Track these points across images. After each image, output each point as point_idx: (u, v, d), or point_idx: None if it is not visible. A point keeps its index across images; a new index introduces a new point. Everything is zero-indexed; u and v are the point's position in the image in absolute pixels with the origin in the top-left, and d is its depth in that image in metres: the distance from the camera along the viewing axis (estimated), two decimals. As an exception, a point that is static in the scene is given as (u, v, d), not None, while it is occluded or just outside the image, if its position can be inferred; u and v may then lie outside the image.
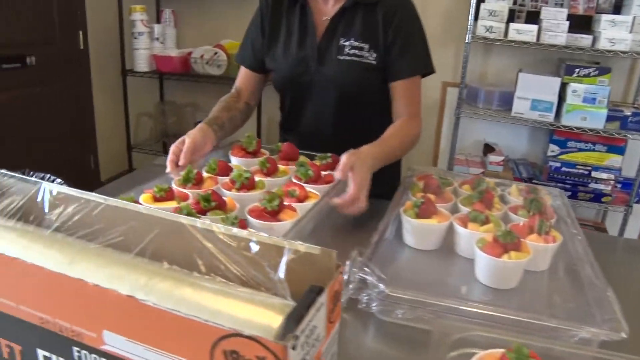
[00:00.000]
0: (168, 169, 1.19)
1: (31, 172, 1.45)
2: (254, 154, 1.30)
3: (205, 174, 1.16)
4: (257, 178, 1.12)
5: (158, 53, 3.19)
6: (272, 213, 0.94)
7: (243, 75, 1.58)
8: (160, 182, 1.10)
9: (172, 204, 1.01)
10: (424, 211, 1.04)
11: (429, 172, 1.29)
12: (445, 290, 0.95)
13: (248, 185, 1.06)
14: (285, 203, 0.98)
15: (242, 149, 1.29)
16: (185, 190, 1.08)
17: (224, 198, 1.00)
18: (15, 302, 0.60)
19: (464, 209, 1.13)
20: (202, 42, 3.27)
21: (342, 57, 1.40)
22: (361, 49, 1.39)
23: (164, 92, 3.60)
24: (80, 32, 3.03)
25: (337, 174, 1.11)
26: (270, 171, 1.17)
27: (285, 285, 0.55)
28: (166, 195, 1.03)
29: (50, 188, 0.70)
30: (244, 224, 0.87)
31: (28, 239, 0.63)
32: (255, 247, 0.58)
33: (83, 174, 3.16)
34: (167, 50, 3.23)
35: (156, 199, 1.03)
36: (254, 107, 1.64)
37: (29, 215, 0.70)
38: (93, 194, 0.66)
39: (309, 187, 1.09)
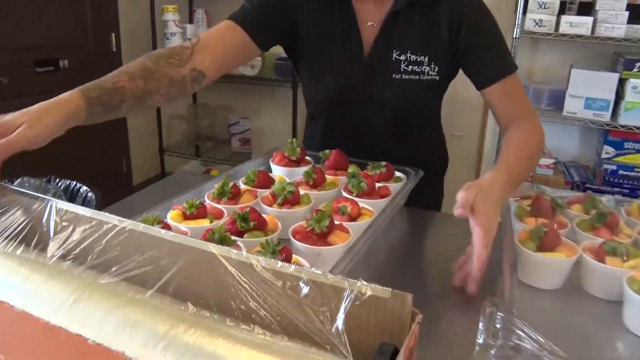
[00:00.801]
0: None
1: (57, 179, 1.36)
2: (298, 162, 1.17)
3: (242, 186, 1.05)
4: (301, 191, 0.99)
5: (191, 54, 3.10)
6: (321, 235, 0.81)
7: (223, 31, 1.14)
8: (193, 195, 0.99)
9: (204, 223, 0.90)
10: (548, 243, 0.86)
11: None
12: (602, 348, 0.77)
13: (292, 200, 0.94)
14: (336, 222, 0.85)
15: (285, 157, 1.17)
16: (220, 206, 0.96)
17: (264, 216, 0.89)
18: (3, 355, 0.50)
19: (585, 236, 0.94)
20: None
21: (397, 76, 1.18)
22: (420, 63, 1.17)
23: (196, 93, 3.52)
24: (113, 34, 2.97)
25: (456, 212, 0.82)
26: (317, 183, 1.05)
27: (345, 339, 0.43)
28: (197, 212, 0.92)
29: (58, 206, 0.59)
30: (288, 251, 0.75)
31: (27, 269, 0.53)
32: (305, 288, 0.46)
33: (114, 178, 3.11)
34: (199, 51, 3.14)
35: (186, 217, 0.92)
36: (206, 83, 1.10)
37: (31, 238, 0.59)
38: (107, 214, 0.55)
39: (362, 203, 0.96)
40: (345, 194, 1.02)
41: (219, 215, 0.94)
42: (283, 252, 0.73)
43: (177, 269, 0.52)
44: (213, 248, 0.49)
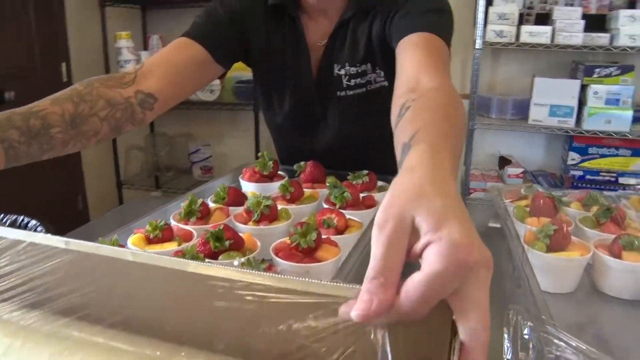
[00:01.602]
0: None
1: (1, 214, 1.23)
2: (271, 177, 1.08)
3: (211, 205, 0.94)
4: (279, 206, 0.90)
5: (146, 81, 2.99)
6: (307, 251, 0.72)
7: (174, 48, 1.03)
8: (156, 216, 0.88)
9: (172, 247, 0.79)
10: (558, 242, 0.78)
11: (513, 189, 1.03)
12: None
13: (269, 215, 0.84)
14: (323, 236, 0.76)
15: (256, 172, 1.07)
16: (188, 227, 0.86)
17: (241, 234, 0.78)
18: None
19: (592, 233, 0.88)
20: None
21: (341, 93, 1.09)
22: (363, 73, 1.06)
23: (154, 122, 3.39)
24: (63, 64, 2.83)
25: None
26: (295, 197, 0.95)
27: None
28: (163, 234, 0.81)
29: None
30: (274, 270, 0.65)
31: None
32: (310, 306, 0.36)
33: (70, 216, 2.94)
34: (155, 78, 3.04)
35: (150, 241, 0.81)
36: (162, 107, 1.00)
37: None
38: (48, 236, 0.45)
39: (347, 214, 0.87)
40: (326, 206, 0.93)
41: (187, 237, 0.83)
42: (269, 271, 0.63)
43: (142, 297, 0.42)
44: (188, 265, 0.40)
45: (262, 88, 1.18)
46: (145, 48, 3.15)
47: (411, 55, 0.86)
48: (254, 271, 0.37)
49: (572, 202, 0.98)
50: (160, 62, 0.99)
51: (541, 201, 0.91)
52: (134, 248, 0.78)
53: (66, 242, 0.46)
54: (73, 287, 0.44)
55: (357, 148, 1.17)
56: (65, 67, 2.86)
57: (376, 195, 0.98)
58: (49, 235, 0.49)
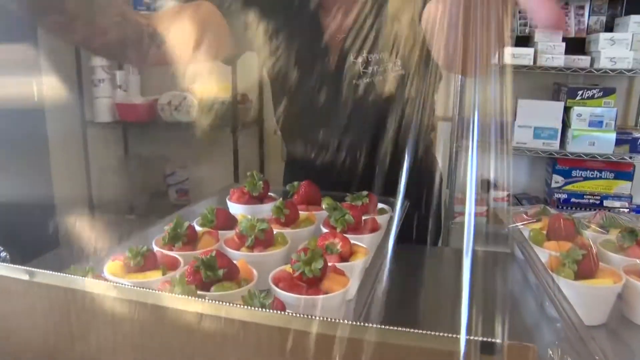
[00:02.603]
0: None
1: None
2: (261, 199, 0.99)
3: (198, 228, 0.85)
4: (274, 230, 0.81)
5: (121, 101, 2.90)
6: (312, 281, 0.63)
7: None
8: (136, 241, 0.79)
9: (156, 275, 0.70)
10: (587, 268, 0.71)
11: (520, 212, 0.96)
12: None
13: (265, 241, 0.76)
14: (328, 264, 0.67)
15: (245, 193, 0.99)
16: (174, 254, 0.77)
17: (234, 262, 0.69)
18: None
19: (617, 258, 0.81)
20: (169, 87, 3.00)
21: (358, 82, 1.08)
22: (379, 62, 1.06)
23: (128, 144, 3.28)
24: (34, 82, 2.72)
25: None
26: (290, 220, 0.86)
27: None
28: (145, 262, 0.71)
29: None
30: (280, 305, 0.57)
31: None
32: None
33: (39, 242, 2.79)
34: (131, 98, 2.94)
35: (130, 269, 0.71)
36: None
37: None
38: (9, 265, 0.36)
39: (352, 239, 0.78)
40: (326, 230, 0.85)
41: (173, 264, 0.74)
42: (274, 306, 0.55)
43: (121, 341, 0.33)
44: (178, 302, 0.31)
45: (278, 84, 1.18)
46: (121, 67, 3.05)
47: None
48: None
49: (590, 224, 0.91)
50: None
51: (560, 224, 0.84)
52: (112, 278, 0.68)
53: (30, 272, 0.38)
54: (36, 326, 0.35)
55: (364, 154, 1.13)
56: (35, 85, 2.75)
57: (379, 218, 0.91)
58: (9, 265, 0.40)
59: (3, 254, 1.08)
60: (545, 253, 0.80)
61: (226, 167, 2.92)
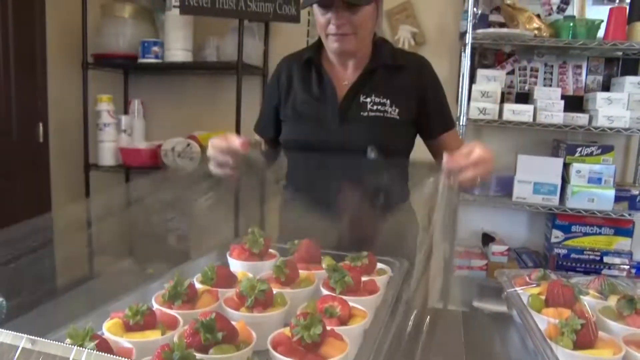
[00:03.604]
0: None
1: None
2: (261, 256, 0.99)
3: (198, 285, 0.86)
4: (273, 290, 0.81)
5: (125, 146, 2.93)
6: (311, 346, 0.63)
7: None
8: (136, 298, 0.79)
9: (154, 335, 0.70)
10: (585, 337, 0.71)
11: (521, 275, 0.97)
12: None
13: (264, 301, 0.76)
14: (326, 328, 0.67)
15: (245, 250, 0.99)
16: (173, 312, 0.77)
17: (233, 322, 0.69)
18: None
19: (618, 327, 0.81)
20: (173, 133, 3.04)
21: (365, 114, 1.36)
22: (383, 104, 1.37)
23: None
24: (40, 124, 2.76)
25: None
26: (290, 279, 0.87)
27: None
28: (144, 320, 0.71)
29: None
30: (280, 372, 0.56)
31: None
32: None
33: (33, 283, 2.77)
34: (134, 143, 2.98)
35: (129, 328, 0.71)
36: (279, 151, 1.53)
37: None
38: (11, 333, 0.37)
39: (350, 301, 0.78)
40: (325, 292, 0.85)
41: (172, 324, 0.74)
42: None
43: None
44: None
45: (289, 115, 1.42)
46: (126, 112, 3.10)
47: (455, 142, 1.43)
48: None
49: (589, 290, 0.91)
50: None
51: (559, 290, 0.84)
52: (110, 336, 0.68)
53: (30, 340, 0.38)
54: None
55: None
56: (42, 127, 2.79)
57: (378, 280, 0.91)
58: (9, 332, 0.40)
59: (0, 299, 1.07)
60: (544, 320, 0.80)
61: (227, 214, 2.93)
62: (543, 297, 0.87)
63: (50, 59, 2.83)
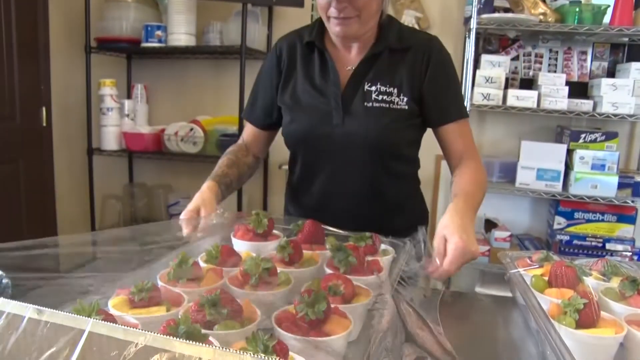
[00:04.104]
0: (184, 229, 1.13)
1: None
2: (265, 236, 1.00)
3: (203, 264, 0.86)
4: (278, 269, 0.82)
5: (128, 130, 2.93)
6: (315, 323, 0.64)
7: (250, 130, 1.44)
8: (141, 276, 0.80)
9: (160, 312, 0.71)
10: (588, 317, 0.71)
11: (523, 257, 0.97)
12: None
13: (269, 279, 0.77)
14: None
15: (249, 230, 1.00)
16: (178, 289, 0.77)
17: (238, 300, 0.70)
18: None
19: (620, 307, 0.81)
20: (176, 118, 3.04)
21: (369, 104, 1.25)
22: (390, 94, 1.25)
23: (133, 172, 3.30)
24: (44, 108, 2.76)
25: (436, 256, 0.98)
26: (294, 259, 0.87)
27: None
28: (149, 297, 0.72)
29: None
30: (284, 347, 0.57)
31: None
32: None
33: (41, 268, 2.78)
34: (137, 127, 2.98)
35: (134, 305, 0.72)
36: (262, 161, 1.53)
37: None
38: (18, 303, 0.37)
39: (355, 281, 0.79)
40: (329, 271, 0.85)
41: (177, 301, 0.74)
42: (278, 348, 0.55)
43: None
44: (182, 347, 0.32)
45: (289, 103, 1.33)
46: (129, 96, 3.10)
47: (458, 138, 1.29)
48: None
49: (592, 272, 0.91)
50: (247, 138, 1.44)
51: (562, 271, 0.84)
52: (116, 312, 0.69)
53: (37, 310, 0.39)
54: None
55: (371, 171, 1.29)
56: (45, 112, 2.79)
57: (381, 260, 0.91)
58: (19, 302, 0.41)
59: (5, 280, 1.08)
60: (547, 300, 0.80)
61: (229, 199, 2.93)
62: (546, 278, 0.87)
63: (53, 43, 2.82)
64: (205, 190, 1.23)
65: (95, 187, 3.00)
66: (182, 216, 1.16)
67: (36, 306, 0.40)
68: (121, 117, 2.96)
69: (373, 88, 1.26)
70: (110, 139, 2.94)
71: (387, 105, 1.25)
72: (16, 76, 2.60)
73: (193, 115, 3.03)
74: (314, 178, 1.33)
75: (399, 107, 1.25)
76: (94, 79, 2.89)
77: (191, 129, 2.83)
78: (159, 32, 2.79)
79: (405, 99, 1.25)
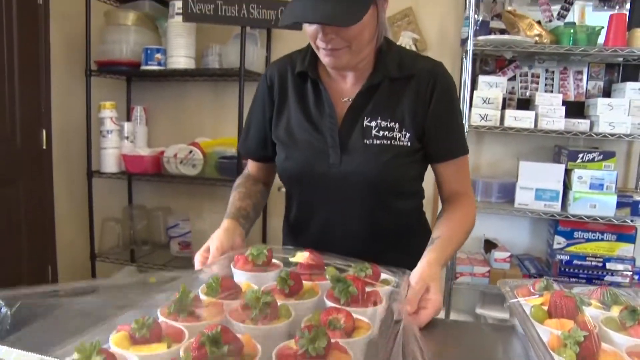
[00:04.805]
0: (197, 267, 1.09)
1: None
2: (264, 266, 1.00)
3: (203, 297, 0.86)
4: (278, 301, 0.82)
5: (127, 152, 2.94)
6: (315, 359, 0.64)
7: (252, 163, 1.42)
8: (142, 311, 0.79)
9: (160, 348, 0.71)
10: (589, 350, 0.71)
11: (524, 285, 0.97)
12: None
13: (269, 313, 0.77)
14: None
15: (249, 261, 1.00)
16: (179, 324, 0.77)
17: (238, 335, 0.70)
18: None
19: (621, 338, 0.80)
20: (175, 140, 3.06)
21: (369, 141, 1.17)
22: (391, 129, 1.17)
23: (132, 194, 3.31)
24: (44, 131, 2.77)
25: (408, 307, 0.95)
26: (294, 290, 0.87)
27: None
28: (150, 333, 0.72)
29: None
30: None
31: None
32: None
33: (39, 292, 2.77)
34: (137, 150, 2.99)
35: (135, 341, 0.72)
36: (271, 186, 1.47)
37: None
38: (18, 351, 0.37)
39: (354, 312, 0.79)
40: (329, 303, 0.85)
41: (178, 336, 0.74)
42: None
43: None
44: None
45: (283, 139, 1.26)
46: (129, 119, 3.11)
47: (453, 175, 1.26)
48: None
49: (591, 301, 0.92)
50: (252, 169, 1.42)
51: (561, 301, 0.85)
52: (117, 350, 0.69)
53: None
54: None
55: (371, 209, 1.23)
56: (45, 134, 2.80)
57: (381, 291, 0.91)
58: (19, 351, 0.41)
59: (4, 309, 1.08)
60: (546, 331, 0.80)
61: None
62: (546, 308, 0.87)
63: (54, 65, 2.84)
64: (220, 231, 1.18)
65: (94, 210, 3.00)
66: (195, 258, 1.14)
67: (41, 356, 0.40)
68: (121, 140, 2.97)
69: (373, 123, 1.18)
70: (109, 162, 2.94)
71: (389, 142, 1.17)
72: (17, 98, 2.62)
73: (192, 137, 3.04)
74: (311, 217, 1.28)
75: (401, 143, 1.17)
76: (94, 101, 2.91)
77: (190, 152, 2.84)
78: (158, 55, 2.82)
79: (408, 135, 1.17)
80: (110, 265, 3.07)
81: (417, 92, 1.18)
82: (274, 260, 1.04)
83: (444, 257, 1.11)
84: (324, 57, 1.13)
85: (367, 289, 0.89)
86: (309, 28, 1.10)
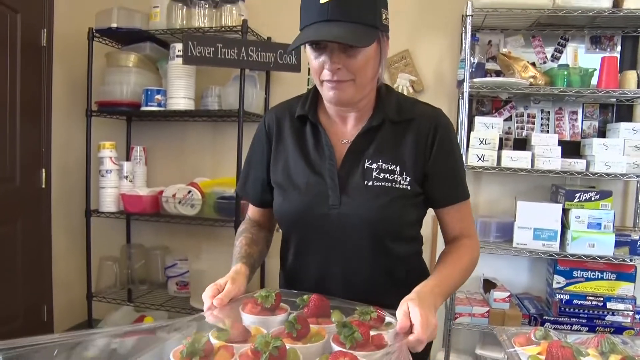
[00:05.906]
0: (206, 300, 1.07)
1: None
2: (273, 310, 1.00)
3: (214, 340, 0.86)
4: (286, 345, 0.82)
5: (126, 192, 2.95)
6: (328, 405, 0.64)
7: (252, 207, 1.41)
8: (153, 356, 0.79)
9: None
10: None
11: (522, 333, 0.97)
12: None
13: (278, 357, 0.76)
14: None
15: (257, 304, 1.00)
16: (189, 368, 0.77)
17: (250, 381, 0.70)
18: None
19: None
20: (174, 180, 3.08)
21: (370, 183, 1.17)
22: (392, 172, 1.18)
23: (130, 234, 3.30)
24: (43, 170, 2.79)
25: (397, 327, 0.92)
26: (302, 334, 0.87)
27: None
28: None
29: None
30: None
31: None
32: None
33: (31, 328, 2.73)
34: (136, 189, 2.99)
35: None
36: (273, 233, 1.45)
37: None
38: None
39: (359, 356, 0.79)
40: (335, 347, 0.85)
41: (189, 381, 0.74)
42: None
43: None
44: None
45: (282, 182, 1.26)
46: (128, 158, 3.13)
47: (457, 220, 1.27)
48: None
49: (588, 350, 0.91)
50: (253, 215, 1.41)
51: (558, 351, 0.84)
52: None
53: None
54: None
55: (370, 253, 1.21)
56: (44, 173, 2.82)
57: (385, 334, 0.91)
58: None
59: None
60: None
61: (227, 261, 2.91)
62: (543, 357, 0.86)
63: (55, 106, 2.88)
64: (234, 273, 1.16)
65: (92, 249, 2.99)
66: (206, 292, 1.10)
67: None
68: (120, 179, 2.98)
69: (374, 165, 1.18)
70: (108, 201, 2.94)
71: (389, 185, 1.17)
72: (18, 138, 2.64)
73: (191, 177, 3.06)
74: (309, 259, 1.25)
75: (401, 186, 1.17)
76: (93, 140, 2.93)
77: (189, 192, 2.85)
78: (158, 96, 2.86)
79: (408, 179, 1.18)
80: (107, 304, 3.03)
81: (417, 137, 1.19)
82: (281, 304, 1.04)
83: (439, 287, 1.08)
84: (328, 91, 1.13)
85: (372, 332, 0.89)
86: (315, 61, 1.12)
